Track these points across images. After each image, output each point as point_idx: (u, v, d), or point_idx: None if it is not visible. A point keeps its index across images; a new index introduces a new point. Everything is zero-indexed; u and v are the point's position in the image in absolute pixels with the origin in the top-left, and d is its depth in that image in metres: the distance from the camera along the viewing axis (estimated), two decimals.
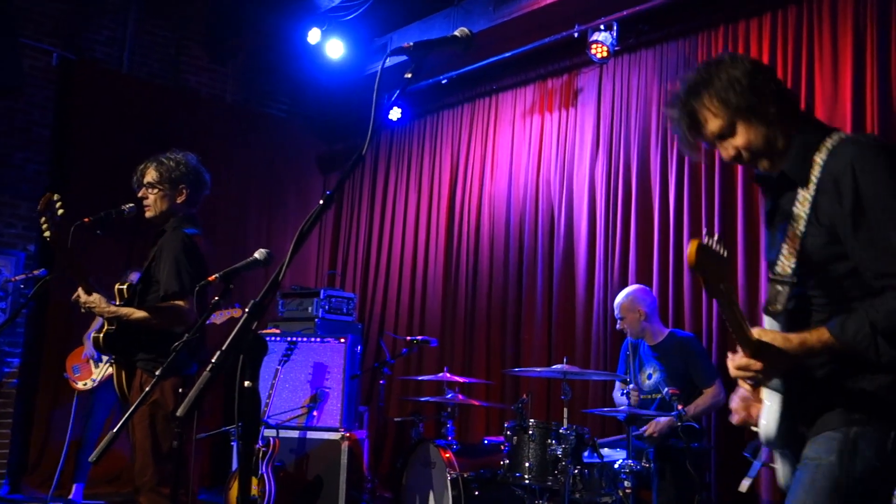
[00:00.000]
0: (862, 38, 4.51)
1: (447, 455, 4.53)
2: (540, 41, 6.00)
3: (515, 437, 4.23)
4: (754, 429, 1.99)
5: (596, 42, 5.49)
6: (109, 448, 1.91)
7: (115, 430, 1.87)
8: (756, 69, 1.89)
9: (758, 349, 1.71)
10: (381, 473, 6.51)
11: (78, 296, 3.35)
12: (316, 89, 7.83)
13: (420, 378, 5.36)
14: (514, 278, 6.25)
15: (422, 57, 1.81)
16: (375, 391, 6.53)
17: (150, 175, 3.53)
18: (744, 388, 2.03)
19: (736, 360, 1.77)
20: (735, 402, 2.10)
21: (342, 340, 5.52)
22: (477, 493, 4.41)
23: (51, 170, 6.59)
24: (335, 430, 5.30)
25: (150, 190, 3.52)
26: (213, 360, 1.42)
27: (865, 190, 1.71)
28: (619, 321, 4.62)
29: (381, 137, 7.83)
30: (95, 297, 3.34)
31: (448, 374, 5.00)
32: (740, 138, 1.88)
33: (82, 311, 3.42)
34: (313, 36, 6.90)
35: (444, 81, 6.82)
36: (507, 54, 6.29)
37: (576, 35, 5.69)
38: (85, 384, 5.77)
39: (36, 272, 5.44)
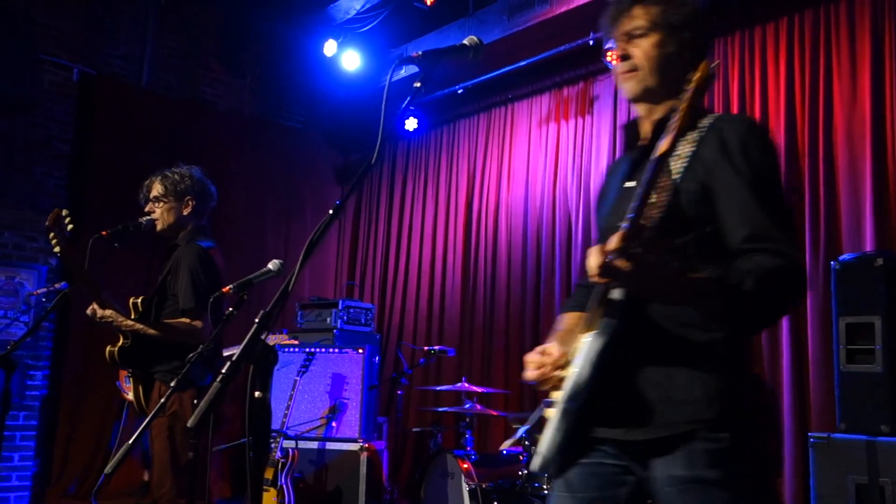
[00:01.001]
0: (880, 40, 4.46)
1: (466, 465, 4.51)
2: (555, 49, 6.00)
3: (533, 447, 4.20)
4: (547, 388, 1.76)
5: (611, 49, 5.47)
6: (125, 460, 1.92)
7: (130, 442, 1.87)
8: (707, 14, 1.85)
9: (638, 236, 1.46)
10: (400, 484, 6.49)
11: (94, 310, 3.37)
12: (332, 101, 7.87)
13: (438, 388, 5.34)
14: (532, 287, 6.22)
15: (432, 66, 1.80)
16: (394, 402, 6.51)
17: (156, 189, 3.57)
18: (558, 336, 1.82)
19: (609, 243, 1.47)
20: (533, 356, 1.79)
21: (360, 351, 5.52)
22: (496, 503, 4.38)
23: (70, 184, 6.66)
24: (354, 440, 5.30)
25: (156, 204, 3.56)
26: (223, 371, 1.42)
27: (754, 157, 1.66)
28: None
29: (397, 148, 7.85)
30: (110, 311, 3.35)
31: (466, 384, 4.99)
32: (646, 45, 1.80)
33: (99, 323, 3.44)
34: (329, 48, 6.94)
35: (459, 91, 6.83)
36: (522, 63, 6.29)
37: (591, 42, 5.68)
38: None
39: (57, 285, 5.48)
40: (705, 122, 1.72)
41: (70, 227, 3.22)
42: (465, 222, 6.97)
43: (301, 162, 8.09)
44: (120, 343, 3.43)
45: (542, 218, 6.27)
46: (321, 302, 6.59)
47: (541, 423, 1.93)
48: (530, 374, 1.75)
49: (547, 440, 1.71)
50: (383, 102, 1.67)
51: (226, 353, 4.03)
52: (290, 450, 5.03)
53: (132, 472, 6.26)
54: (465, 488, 4.43)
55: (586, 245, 5.88)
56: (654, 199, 1.54)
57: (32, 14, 6.30)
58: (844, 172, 4.49)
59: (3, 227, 6.30)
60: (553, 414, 1.71)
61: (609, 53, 5.48)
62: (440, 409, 5.18)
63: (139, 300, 3.53)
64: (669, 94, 1.78)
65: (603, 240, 1.84)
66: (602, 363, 1.60)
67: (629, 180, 1.82)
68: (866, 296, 3.40)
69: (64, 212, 3.28)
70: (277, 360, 1.48)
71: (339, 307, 6.35)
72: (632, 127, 1.92)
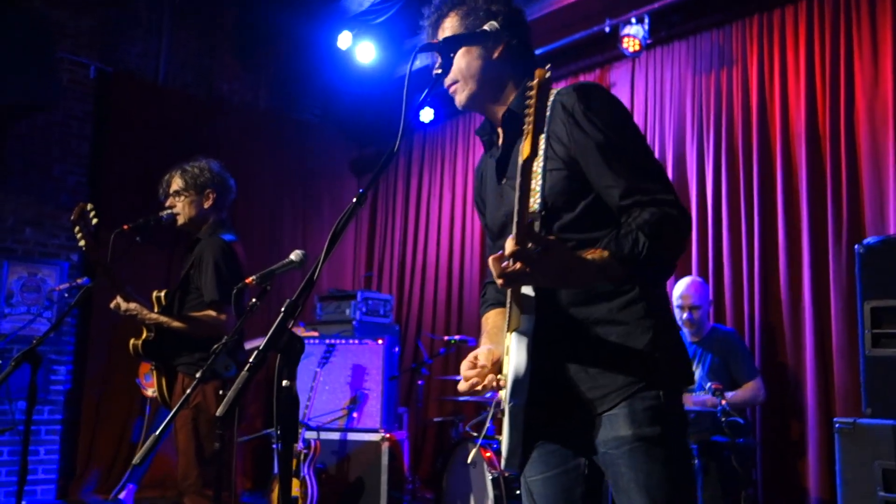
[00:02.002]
0: None
1: (488, 454, 4.52)
2: (571, 37, 5.96)
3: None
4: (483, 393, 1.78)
5: (627, 36, 5.44)
6: (153, 451, 1.93)
7: (157, 434, 1.89)
8: (514, 14, 1.90)
9: (529, 237, 1.47)
10: (422, 474, 6.52)
11: (118, 304, 3.40)
12: (347, 93, 7.87)
13: (459, 378, 5.34)
14: None
15: (451, 52, 1.79)
16: (414, 392, 6.53)
17: (176, 183, 3.58)
18: (483, 342, 1.87)
19: (506, 249, 1.49)
20: (466, 366, 1.81)
21: (380, 342, 5.54)
22: (518, 492, 4.38)
23: (90, 181, 6.72)
24: (375, 431, 5.32)
25: (177, 198, 3.58)
26: (250, 361, 1.43)
27: (599, 116, 1.68)
28: (687, 312, 4.48)
29: (414, 139, 7.84)
30: (134, 304, 3.38)
31: None
32: (461, 61, 1.84)
33: (123, 316, 3.47)
34: (344, 40, 6.92)
35: None
36: (537, 51, 6.22)
37: (607, 30, 5.64)
38: (154, 392, 5.87)
39: (79, 281, 5.54)
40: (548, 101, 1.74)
41: (95, 220, 3.24)
42: None
43: (317, 155, 8.10)
44: (143, 336, 3.46)
45: None
46: (340, 294, 6.61)
47: (499, 425, 1.96)
48: (461, 386, 1.77)
49: (505, 441, 1.73)
50: (405, 90, 1.66)
51: (247, 346, 4.07)
52: (312, 441, 5.05)
53: (156, 465, 6.32)
54: (488, 477, 4.44)
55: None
56: (537, 186, 1.61)
57: (49, 13, 6.35)
58: (867, 156, 4.44)
59: (24, 224, 6.36)
60: (505, 415, 1.73)
61: (626, 40, 5.44)
62: (461, 399, 5.19)
63: (162, 293, 3.56)
64: (503, 93, 1.86)
65: (492, 239, 1.93)
66: (531, 358, 1.63)
67: (501, 177, 1.86)
68: (891, 279, 3.35)
69: (89, 206, 3.30)
70: (304, 349, 1.48)
71: (358, 299, 6.37)
72: (484, 130, 1.98)
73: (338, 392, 5.52)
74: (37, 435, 6.23)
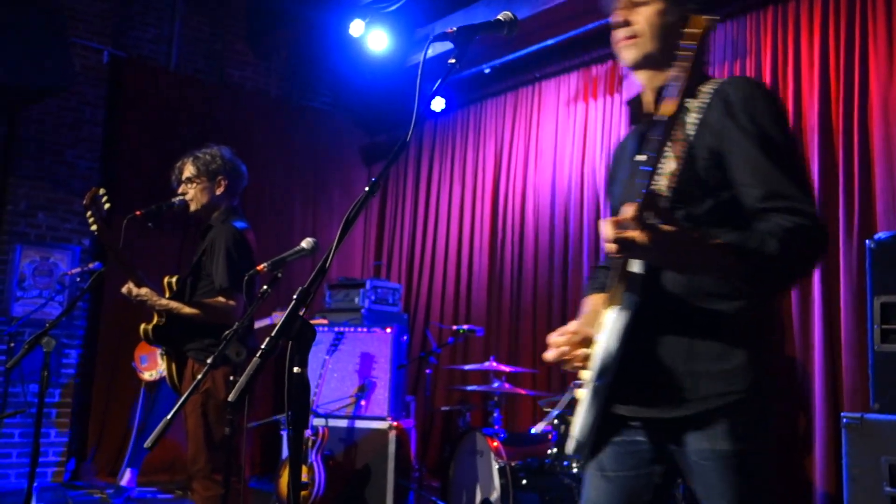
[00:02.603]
0: None
1: (495, 444, 4.53)
2: (583, 27, 5.93)
3: (563, 426, 4.21)
4: (571, 368, 1.75)
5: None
6: (164, 435, 1.95)
7: (168, 417, 1.90)
8: None
9: (653, 207, 1.39)
10: (429, 462, 6.55)
11: (130, 289, 3.42)
12: (358, 81, 7.86)
13: (466, 367, 5.36)
14: (560, 266, 6.21)
15: (465, 42, 1.79)
16: (422, 381, 6.56)
17: (188, 170, 3.60)
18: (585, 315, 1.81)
19: (624, 214, 1.40)
20: (554, 335, 1.76)
21: (388, 330, 5.56)
22: (525, 481, 4.41)
23: (102, 166, 6.75)
24: (383, 419, 5.35)
25: (189, 185, 3.59)
26: (262, 347, 1.44)
27: (760, 115, 1.62)
28: None
29: (424, 128, 7.83)
30: (146, 290, 3.40)
31: (494, 364, 5.00)
32: (649, 12, 1.78)
33: (134, 302, 3.49)
34: (356, 28, 6.91)
35: (486, 70, 6.79)
36: (550, 41, 6.23)
37: None
38: (151, 375, 5.93)
39: (91, 265, 5.57)
40: (708, 87, 1.69)
41: (107, 206, 3.26)
42: (492, 202, 6.96)
43: (328, 143, 8.11)
44: (154, 321, 3.48)
45: (569, 198, 6.24)
46: (349, 282, 6.63)
47: (572, 406, 1.95)
48: (549, 354, 1.74)
49: (579, 421, 1.70)
50: (418, 78, 1.66)
51: (256, 325, 4.08)
52: (320, 428, 5.09)
53: (164, 449, 6.38)
54: (495, 466, 4.46)
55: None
56: (666, 167, 1.51)
57: None
58: (880, 150, 4.41)
59: (37, 209, 6.40)
60: (583, 394, 1.70)
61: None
62: (468, 388, 5.21)
63: (174, 279, 3.58)
64: (671, 61, 1.74)
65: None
66: (627, 338, 1.58)
67: (639, 154, 1.78)
68: None
69: (101, 191, 3.32)
70: (315, 336, 1.50)
71: (367, 287, 6.39)
72: (635, 101, 1.90)
73: (346, 380, 5.55)
74: (48, 417, 6.29)
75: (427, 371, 5.83)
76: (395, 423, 5.28)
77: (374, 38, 6.89)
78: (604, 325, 1.63)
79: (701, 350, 1.62)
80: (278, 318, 4.06)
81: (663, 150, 1.44)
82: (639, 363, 1.63)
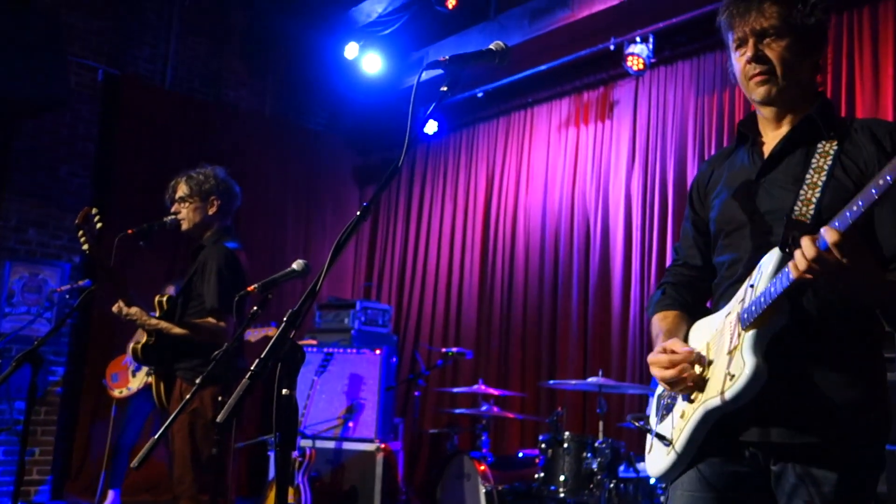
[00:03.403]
0: None
1: (482, 467, 4.53)
2: (576, 54, 6.01)
3: (550, 450, 4.22)
4: (682, 388, 1.71)
5: (632, 54, 5.48)
6: (150, 455, 1.95)
7: (156, 437, 1.90)
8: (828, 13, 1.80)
9: (847, 239, 1.40)
10: (416, 485, 6.52)
11: (120, 308, 3.42)
12: (352, 103, 7.92)
13: (455, 390, 5.36)
14: (550, 291, 6.23)
15: (458, 70, 1.82)
16: (410, 403, 6.54)
17: (182, 190, 3.62)
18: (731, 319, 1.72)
19: (827, 236, 1.40)
20: (660, 355, 1.75)
21: (377, 352, 5.55)
22: None
23: (95, 183, 6.75)
24: (370, 441, 5.33)
25: (182, 204, 3.61)
26: (252, 368, 1.45)
27: None
28: None
29: (416, 151, 7.88)
30: (136, 309, 3.40)
31: (483, 387, 5.00)
32: (780, 48, 1.73)
33: (123, 321, 3.49)
34: (351, 51, 6.98)
35: (479, 95, 6.85)
36: (542, 67, 6.30)
37: (612, 47, 5.69)
38: (121, 392, 5.88)
39: (80, 283, 5.56)
40: (847, 124, 1.73)
41: (99, 225, 3.26)
42: (482, 225, 6.99)
43: (321, 163, 8.15)
44: (144, 340, 3.48)
45: (560, 222, 6.28)
46: (339, 302, 6.63)
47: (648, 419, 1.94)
48: (667, 373, 1.70)
49: (680, 446, 1.69)
50: (411, 104, 1.69)
51: (249, 335, 4.05)
52: (307, 449, 5.06)
53: (149, 469, 6.33)
54: (482, 490, 4.45)
55: (604, 249, 5.88)
56: (810, 196, 1.57)
57: (59, 15, 6.39)
58: None
59: (28, 225, 6.39)
60: (694, 412, 1.68)
61: (630, 59, 5.48)
62: (457, 411, 5.21)
63: (164, 299, 3.58)
64: (799, 97, 1.77)
65: (717, 235, 1.84)
66: (768, 362, 1.58)
67: (761, 175, 1.77)
68: None
69: (93, 210, 3.33)
70: (304, 358, 1.51)
71: (357, 308, 6.39)
72: (751, 124, 1.88)
73: (334, 401, 5.53)
74: (33, 435, 6.23)
75: (415, 393, 5.83)
76: (382, 445, 5.26)
77: (368, 61, 6.97)
78: (743, 345, 1.60)
79: (831, 381, 1.62)
80: (251, 334, 4.06)
81: (821, 181, 1.51)
82: (769, 388, 1.60)
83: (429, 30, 6.85)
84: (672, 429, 1.76)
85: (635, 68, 5.51)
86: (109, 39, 6.92)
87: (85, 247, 3.35)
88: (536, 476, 4.30)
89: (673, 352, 1.73)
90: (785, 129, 1.80)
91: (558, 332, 6.09)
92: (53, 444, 6.40)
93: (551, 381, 5.07)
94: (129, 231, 3.49)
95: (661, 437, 1.78)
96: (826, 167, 1.65)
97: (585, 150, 6.24)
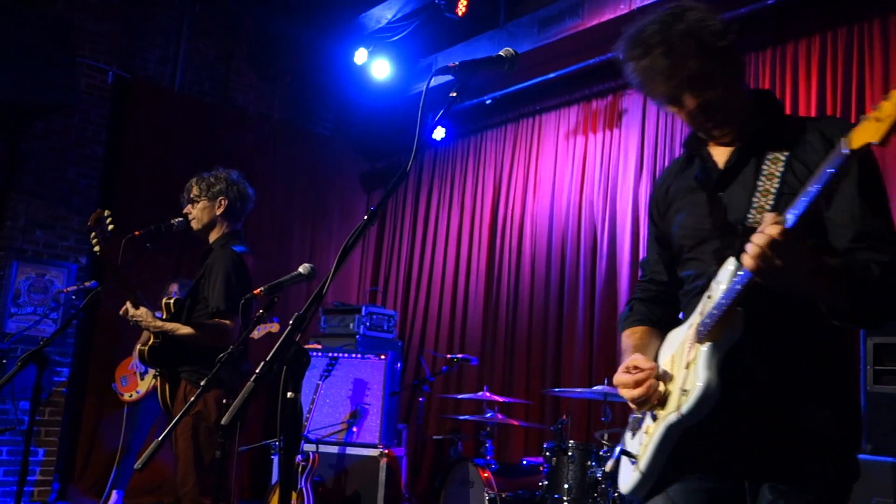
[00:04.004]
0: None
1: (486, 474, 4.51)
2: (584, 62, 6.01)
3: (555, 458, 4.20)
4: (648, 407, 1.70)
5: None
6: (154, 456, 1.95)
7: (159, 439, 1.90)
8: (731, 27, 1.78)
9: (793, 234, 1.41)
10: (419, 491, 6.50)
11: (126, 309, 3.43)
12: (361, 108, 7.94)
13: (460, 396, 5.35)
14: (556, 298, 6.22)
15: (467, 76, 1.82)
16: (415, 409, 6.53)
17: (194, 190, 3.65)
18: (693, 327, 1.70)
19: (768, 230, 1.43)
20: (624, 374, 1.74)
21: (382, 357, 5.54)
22: None
23: (103, 185, 6.77)
24: (374, 446, 5.32)
25: (193, 205, 3.64)
26: (257, 371, 1.45)
27: (863, 162, 1.62)
28: None
29: (424, 157, 7.89)
30: (143, 311, 3.40)
31: (488, 394, 4.99)
32: (710, 92, 1.72)
33: (130, 324, 3.49)
34: (360, 56, 7.00)
35: (488, 101, 6.86)
36: (551, 75, 6.30)
37: (621, 56, 5.67)
38: (131, 395, 5.90)
39: (87, 284, 5.57)
40: (797, 125, 1.73)
41: (111, 227, 3.28)
42: (489, 232, 6.98)
43: (328, 168, 8.16)
44: (150, 342, 3.48)
45: (567, 230, 6.27)
46: (345, 307, 6.63)
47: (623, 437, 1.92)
48: (634, 392, 1.70)
49: (645, 462, 1.68)
50: (420, 108, 1.69)
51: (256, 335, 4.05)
52: (310, 453, 5.06)
53: (153, 471, 6.33)
54: (485, 497, 4.43)
55: (611, 257, 5.87)
56: (763, 203, 1.59)
57: (70, 18, 6.43)
58: None
59: (35, 225, 6.41)
60: (656, 429, 1.67)
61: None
62: (461, 418, 5.19)
63: (171, 301, 3.59)
64: (739, 113, 1.78)
65: (681, 249, 1.84)
66: (723, 374, 1.57)
67: (718, 188, 1.78)
68: None
69: (106, 212, 3.34)
70: (310, 362, 1.50)
71: (363, 313, 6.39)
72: (697, 141, 1.88)
73: (338, 405, 5.53)
74: (37, 436, 6.24)
75: (420, 399, 5.82)
76: (386, 451, 5.25)
77: (377, 67, 6.98)
78: (698, 360, 1.60)
79: (795, 389, 1.62)
80: (255, 332, 4.05)
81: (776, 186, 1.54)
82: (728, 400, 1.59)
83: (438, 37, 6.87)
84: (640, 445, 1.75)
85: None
86: (120, 42, 6.96)
87: (96, 248, 3.36)
88: (540, 484, 4.28)
89: (636, 368, 1.72)
90: (732, 140, 1.81)
91: (564, 339, 6.07)
92: (58, 444, 6.40)
93: (556, 389, 5.05)
94: (137, 233, 3.50)
95: (627, 454, 1.77)
96: (778, 174, 1.67)
97: (593, 159, 6.23)
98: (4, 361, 5.56)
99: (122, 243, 3.41)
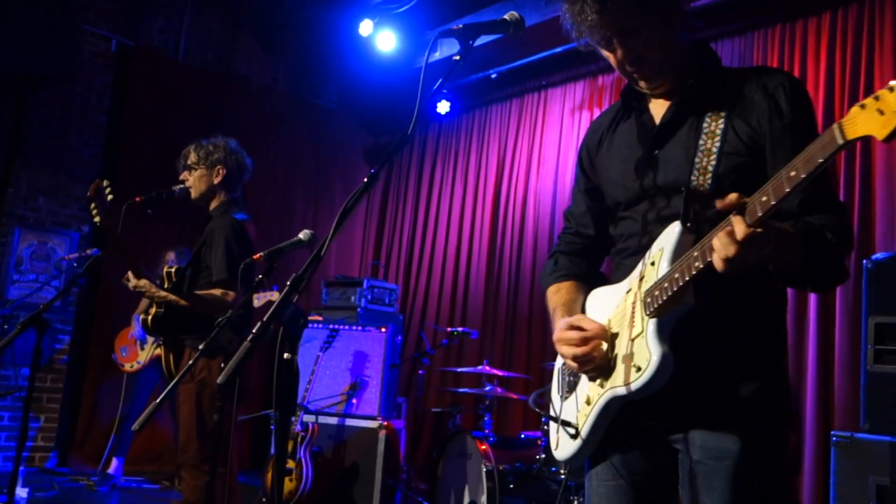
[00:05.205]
0: None
1: (483, 447, 4.53)
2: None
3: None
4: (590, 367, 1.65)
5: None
6: (151, 419, 1.95)
7: (157, 401, 1.90)
8: None
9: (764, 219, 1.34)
10: (418, 463, 6.54)
11: (127, 278, 3.42)
12: (365, 81, 7.88)
13: (459, 370, 5.36)
14: None
15: (471, 40, 1.79)
16: (414, 382, 6.55)
17: (191, 157, 3.62)
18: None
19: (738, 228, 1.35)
20: (570, 333, 1.67)
21: (383, 330, 5.55)
22: (512, 486, 4.40)
23: (105, 153, 6.76)
24: (373, 418, 5.34)
25: (190, 172, 3.61)
26: (253, 331, 1.44)
27: (805, 113, 1.59)
28: None
29: (428, 131, 7.85)
30: (144, 281, 3.39)
31: (488, 367, 5.00)
32: (650, 42, 1.66)
33: (132, 290, 3.48)
34: (365, 28, 6.93)
35: (493, 76, 6.80)
36: (557, 49, 6.25)
37: None
38: (132, 366, 5.93)
39: (89, 252, 5.58)
40: (735, 77, 1.67)
41: (110, 197, 3.26)
42: (492, 207, 6.96)
43: (332, 141, 8.13)
44: (153, 312, 3.47)
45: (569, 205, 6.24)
46: (346, 280, 6.63)
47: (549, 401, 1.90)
48: (578, 350, 1.64)
49: (586, 430, 1.67)
50: (422, 74, 1.67)
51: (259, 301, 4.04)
52: (309, 424, 5.08)
53: (154, 439, 6.37)
54: (483, 469, 4.45)
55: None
56: (706, 164, 1.53)
57: None
58: (881, 172, 4.43)
59: (38, 193, 6.41)
60: (599, 399, 1.64)
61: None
62: (460, 391, 5.20)
63: (173, 270, 3.58)
64: (675, 65, 1.72)
65: (614, 207, 1.78)
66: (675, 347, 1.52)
67: (655, 147, 1.71)
68: None
69: (105, 182, 3.31)
70: (307, 323, 1.50)
71: (364, 286, 6.38)
72: (634, 93, 1.83)
73: (338, 377, 5.54)
74: (38, 402, 6.28)
75: (420, 372, 5.83)
76: (385, 423, 5.27)
77: (382, 39, 6.92)
78: (648, 331, 1.54)
79: (731, 362, 1.59)
80: (255, 300, 4.04)
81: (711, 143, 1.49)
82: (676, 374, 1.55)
83: (444, 9, 6.79)
84: (577, 412, 1.72)
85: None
86: (124, 10, 6.91)
87: (96, 219, 3.34)
88: (538, 457, 4.30)
89: (581, 328, 1.67)
90: (668, 95, 1.75)
91: None
92: (59, 411, 6.44)
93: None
94: (137, 199, 3.49)
95: (566, 424, 1.74)
96: (719, 132, 1.61)
97: None
98: (6, 327, 5.58)
99: (122, 210, 3.40)
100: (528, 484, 4.41)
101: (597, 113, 6.24)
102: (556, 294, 1.89)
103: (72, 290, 6.44)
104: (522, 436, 4.92)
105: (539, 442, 4.33)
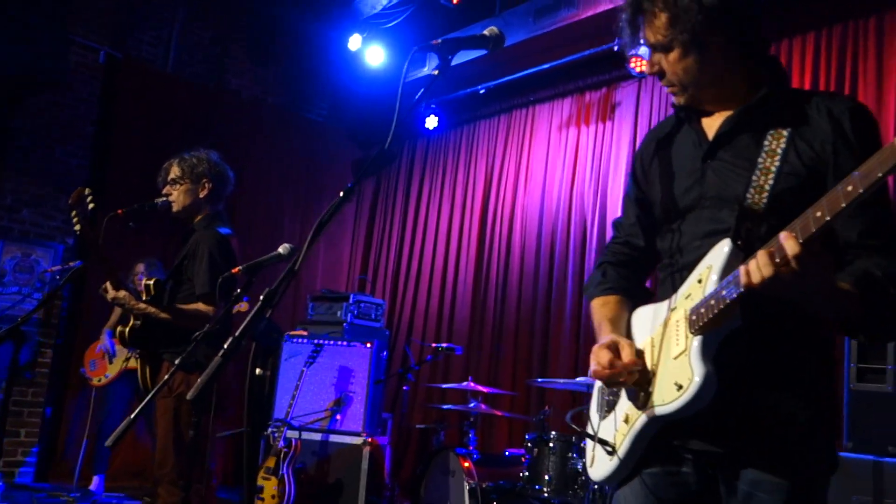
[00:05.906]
0: None
1: (467, 464, 4.50)
2: (579, 54, 5.98)
3: (536, 449, 4.19)
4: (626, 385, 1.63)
5: (636, 56, 5.44)
6: (126, 433, 1.92)
7: (131, 417, 1.88)
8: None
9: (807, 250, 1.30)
10: (402, 480, 6.49)
11: (105, 289, 3.39)
12: (354, 95, 7.90)
13: (444, 386, 5.33)
14: (544, 290, 6.21)
15: (450, 54, 1.80)
16: (399, 397, 6.51)
17: (174, 172, 3.58)
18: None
19: (789, 245, 1.30)
20: (605, 355, 1.63)
21: (368, 345, 5.52)
22: (495, 503, 4.37)
23: (92, 165, 6.72)
24: (357, 434, 5.29)
25: (173, 186, 3.58)
26: (224, 346, 1.42)
27: (870, 142, 1.52)
28: None
29: (416, 145, 7.86)
30: (123, 293, 3.36)
31: (472, 384, 4.97)
32: (672, 62, 1.65)
33: (111, 304, 3.44)
34: (354, 42, 6.96)
35: (481, 91, 6.82)
36: (545, 66, 6.27)
37: (615, 48, 5.65)
38: (99, 380, 5.86)
39: (72, 264, 5.53)
40: (802, 98, 1.63)
41: (92, 206, 3.23)
42: (479, 223, 6.96)
43: (321, 154, 8.12)
44: (130, 324, 3.44)
45: (557, 222, 6.25)
46: (332, 295, 6.59)
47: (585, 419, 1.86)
48: (605, 372, 1.62)
49: (623, 450, 1.64)
50: (399, 90, 1.66)
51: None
52: (293, 440, 5.03)
53: (135, 454, 6.30)
54: (466, 487, 4.42)
55: (601, 251, 5.84)
56: (763, 182, 1.49)
57: None
58: None
59: (22, 204, 6.36)
60: (638, 419, 1.61)
61: (634, 60, 5.45)
62: (445, 407, 5.18)
63: (152, 282, 3.54)
64: (729, 90, 1.68)
65: (662, 217, 1.74)
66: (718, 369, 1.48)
67: (708, 156, 1.67)
68: None
69: (86, 191, 3.29)
70: (282, 338, 1.48)
71: (350, 301, 6.35)
72: (689, 106, 1.77)
73: (322, 392, 5.50)
74: (19, 416, 6.20)
75: (405, 388, 5.80)
76: (369, 439, 5.23)
77: (371, 53, 6.94)
78: (691, 352, 1.50)
79: (780, 389, 1.56)
80: (247, 301, 3.99)
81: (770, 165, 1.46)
82: (720, 395, 1.51)
83: (432, 24, 6.82)
84: (615, 431, 1.69)
85: (638, 70, 5.47)
86: (113, 21, 6.90)
87: (77, 227, 3.31)
88: (521, 475, 4.27)
89: (617, 351, 1.64)
90: (728, 112, 1.70)
91: (551, 331, 6.06)
92: (39, 426, 6.36)
93: (539, 380, 5.03)
94: (119, 211, 3.45)
95: (603, 443, 1.70)
96: (780, 150, 1.57)
97: (585, 151, 6.21)
98: None
99: (104, 221, 3.37)
100: (511, 502, 4.38)
101: (584, 129, 6.28)
102: (603, 307, 1.85)
103: (56, 305, 6.38)
104: (507, 453, 4.90)
105: (523, 459, 4.31)
